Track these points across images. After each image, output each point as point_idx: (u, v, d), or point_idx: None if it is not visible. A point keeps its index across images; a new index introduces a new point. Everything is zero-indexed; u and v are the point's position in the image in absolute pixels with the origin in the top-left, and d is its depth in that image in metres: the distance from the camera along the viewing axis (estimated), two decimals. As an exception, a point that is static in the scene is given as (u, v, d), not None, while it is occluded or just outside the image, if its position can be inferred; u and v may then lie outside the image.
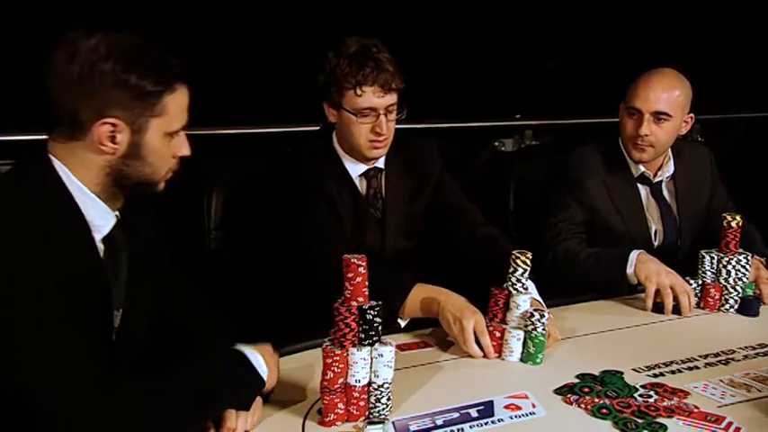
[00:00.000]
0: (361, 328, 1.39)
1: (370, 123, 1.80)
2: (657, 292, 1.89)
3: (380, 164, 1.91)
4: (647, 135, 2.07)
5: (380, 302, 1.42)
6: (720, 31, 3.75)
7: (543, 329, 1.57)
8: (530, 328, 1.58)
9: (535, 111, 3.20)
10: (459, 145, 2.91)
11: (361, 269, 1.40)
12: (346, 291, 1.40)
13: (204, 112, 1.42)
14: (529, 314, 1.58)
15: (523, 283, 1.61)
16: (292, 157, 1.91)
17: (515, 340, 1.58)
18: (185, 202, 1.92)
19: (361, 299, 1.40)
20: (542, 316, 1.57)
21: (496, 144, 3.04)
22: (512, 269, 1.61)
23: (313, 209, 1.81)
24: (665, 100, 2.08)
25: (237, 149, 2.63)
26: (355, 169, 1.89)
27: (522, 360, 1.59)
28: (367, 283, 1.40)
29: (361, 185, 1.90)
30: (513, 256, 1.61)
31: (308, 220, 1.80)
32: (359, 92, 1.76)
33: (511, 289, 1.61)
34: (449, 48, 3.29)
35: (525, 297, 1.60)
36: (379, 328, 1.41)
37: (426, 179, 1.97)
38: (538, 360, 1.58)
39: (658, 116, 2.07)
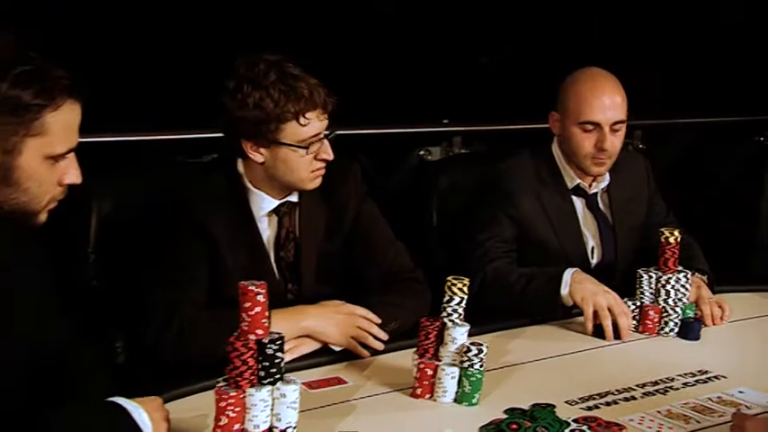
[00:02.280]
0: (260, 366, 1.37)
1: (315, 152, 1.78)
2: (596, 313, 1.94)
3: (294, 196, 1.87)
4: (610, 148, 2.10)
5: (282, 335, 1.40)
6: (659, 31, 3.92)
7: (481, 365, 1.57)
8: (466, 364, 1.57)
9: (465, 115, 3.23)
10: (379, 154, 2.91)
11: (259, 297, 1.38)
12: (243, 323, 1.38)
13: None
14: (465, 348, 1.58)
15: (460, 314, 1.61)
16: (183, 188, 1.83)
17: (449, 378, 1.58)
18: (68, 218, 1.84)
19: (260, 331, 1.38)
20: (480, 351, 1.57)
21: (422, 153, 3.05)
22: (446, 298, 1.61)
23: (180, 249, 1.75)
24: (620, 106, 2.12)
25: (121, 159, 2.55)
26: (264, 206, 1.84)
27: (456, 401, 1.58)
28: (267, 313, 1.38)
29: (271, 225, 1.86)
30: (449, 283, 1.61)
31: (166, 259, 1.75)
32: (303, 121, 1.74)
33: (445, 320, 1.60)
34: (364, 45, 3.29)
35: (461, 329, 1.60)
36: (281, 363, 1.39)
37: (343, 211, 1.93)
38: (474, 401, 1.57)
39: (615, 125, 2.12)
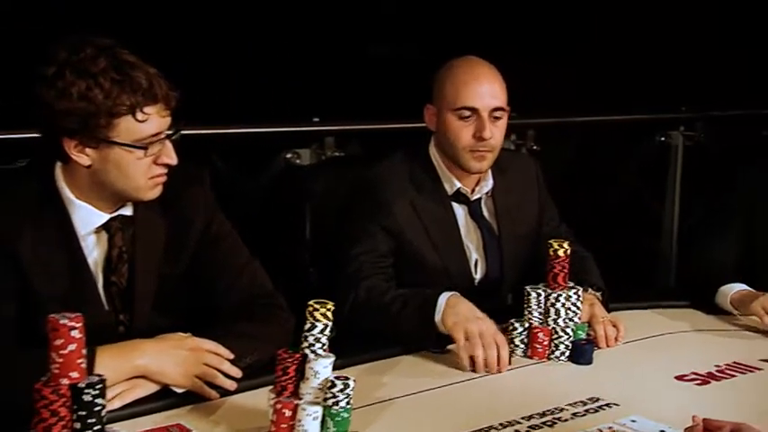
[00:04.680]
0: (75, 416, 1.31)
1: (156, 154, 1.70)
2: None
3: (128, 209, 1.78)
4: (490, 138, 2.11)
5: (104, 378, 1.32)
6: (551, 22, 4.05)
7: (348, 402, 1.54)
8: (330, 401, 1.53)
9: (338, 113, 3.22)
10: (239, 158, 2.85)
11: (74, 333, 1.31)
12: (53, 364, 1.31)
13: None
14: (329, 384, 1.54)
15: (323, 344, 1.57)
16: None
17: (311, 420, 1.53)
18: None
19: (75, 374, 1.31)
20: (346, 386, 1.54)
21: (289, 156, 3.01)
22: (307, 325, 1.57)
23: None
24: (500, 93, 2.15)
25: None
26: (90, 221, 1.74)
27: (320, 444, 1.54)
28: (83, 351, 1.31)
29: (99, 244, 1.77)
30: (310, 308, 1.57)
31: None
32: (140, 116, 1.66)
33: (306, 352, 1.57)
34: (217, 30, 3.22)
35: (325, 361, 1.56)
36: (102, 412, 1.32)
37: (188, 226, 1.86)
38: (340, 444, 1.53)
39: (495, 113, 2.14)
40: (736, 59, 4.17)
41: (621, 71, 4.28)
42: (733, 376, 1.89)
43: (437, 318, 1.97)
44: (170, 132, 1.73)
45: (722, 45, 4.25)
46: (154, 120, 1.69)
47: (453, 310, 1.96)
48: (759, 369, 1.93)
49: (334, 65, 3.56)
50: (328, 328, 1.59)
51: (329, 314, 1.58)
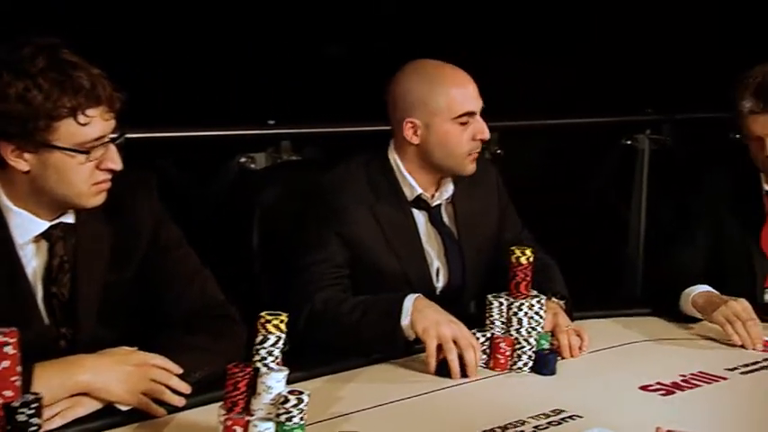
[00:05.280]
0: None
1: (99, 159, 1.68)
2: (441, 347, 1.93)
3: (69, 216, 1.75)
4: (488, 134, 2.19)
5: (40, 396, 1.30)
6: (519, 32, 4.09)
7: (302, 418, 1.52)
8: (283, 417, 1.52)
9: (295, 116, 3.21)
10: (190, 162, 2.83)
11: (7, 349, 1.29)
12: None
13: None
14: (282, 399, 1.53)
15: (276, 357, 1.56)
16: None
17: (263, 437, 1.52)
18: None
19: (9, 392, 1.29)
20: (300, 401, 1.52)
21: (243, 160, 2.99)
22: (259, 338, 1.56)
23: None
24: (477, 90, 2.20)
25: None
26: (29, 229, 1.70)
27: (273, 463, 1.52)
28: (18, 368, 1.28)
29: (39, 253, 1.73)
30: (262, 320, 1.56)
31: None
32: (82, 119, 1.63)
33: (258, 365, 1.55)
34: (166, 28, 3.19)
35: (278, 375, 1.55)
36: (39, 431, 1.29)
37: (134, 234, 1.83)
38: (294, 462, 1.52)
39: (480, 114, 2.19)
40: (702, 62, 4.23)
41: (587, 73, 4.32)
42: (698, 386, 1.90)
43: (404, 322, 1.96)
44: (114, 136, 1.71)
45: (688, 47, 4.31)
46: (97, 123, 1.66)
47: (422, 315, 1.95)
48: (724, 378, 1.95)
49: (291, 65, 3.54)
50: (281, 341, 1.57)
51: (282, 326, 1.57)
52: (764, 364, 2.04)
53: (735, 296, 2.23)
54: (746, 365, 2.02)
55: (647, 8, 4.41)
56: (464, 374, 1.92)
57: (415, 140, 2.19)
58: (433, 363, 1.92)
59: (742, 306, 2.16)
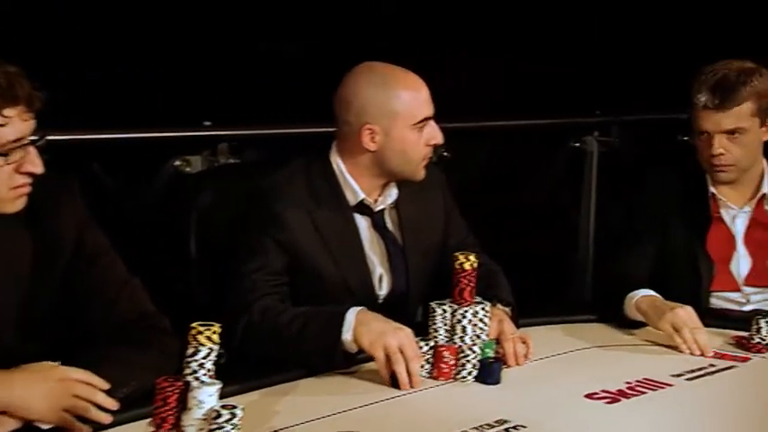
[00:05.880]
0: None
1: (18, 162, 1.64)
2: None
3: None
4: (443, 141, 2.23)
5: None
6: (465, 33, 4.11)
7: None
8: (216, 433, 1.50)
9: (232, 117, 3.18)
10: (121, 166, 2.78)
11: None
12: None
13: None
14: (214, 414, 1.51)
15: (208, 370, 1.55)
16: None
17: (194, 455, 1.50)
18: None
19: None
20: (233, 415, 1.51)
21: (178, 163, 2.96)
22: (190, 350, 1.54)
23: None
24: None
25: None
26: None
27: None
28: None
29: None
30: (193, 331, 1.54)
31: None
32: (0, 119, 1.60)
33: (189, 379, 1.54)
34: (105, 32, 3.14)
35: (210, 389, 1.53)
36: None
37: (57, 241, 1.79)
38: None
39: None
40: (651, 63, 4.30)
41: (535, 75, 4.36)
42: (644, 393, 1.93)
43: (346, 336, 1.95)
44: (34, 138, 1.67)
45: (636, 48, 4.38)
46: (14, 123, 1.63)
47: (367, 328, 1.95)
48: (670, 385, 1.98)
49: (229, 63, 3.51)
50: (214, 353, 1.56)
51: (215, 337, 1.55)
52: (710, 369, 2.07)
53: (680, 300, 2.26)
54: (692, 371, 2.05)
55: (597, 10, 4.47)
56: (412, 385, 1.91)
57: (372, 147, 2.18)
58: (385, 374, 1.92)
59: (687, 313, 2.19)
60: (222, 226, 2.30)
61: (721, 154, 2.46)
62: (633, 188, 2.78)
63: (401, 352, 1.92)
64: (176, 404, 1.54)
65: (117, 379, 1.69)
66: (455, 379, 1.99)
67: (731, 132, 2.44)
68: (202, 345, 1.55)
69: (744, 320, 2.27)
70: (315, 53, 3.79)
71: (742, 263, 2.54)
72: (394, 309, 2.23)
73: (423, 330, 2.01)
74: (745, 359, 2.14)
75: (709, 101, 2.43)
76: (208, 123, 3.06)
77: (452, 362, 1.99)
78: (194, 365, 1.55)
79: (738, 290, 2.54)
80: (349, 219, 2.22)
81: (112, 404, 1.66)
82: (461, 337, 1.99)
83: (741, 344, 2.22)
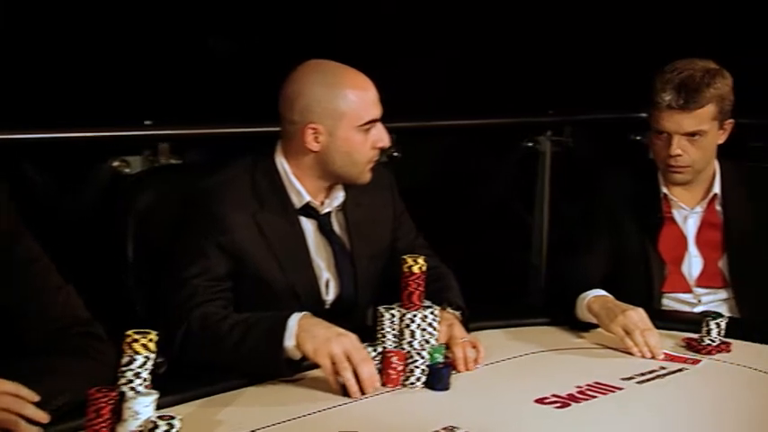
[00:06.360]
0: None
1: None
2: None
3: None
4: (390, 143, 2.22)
5: None
6: (415, 30, 4.12)
7: None
8: (153, 445, 1.49)
9: (174, 116, 3.15)
10: (56, 167, 2.74)
11: None
12: None
13: None
14: (150, 425, 1.49)
15: (144, 380, 1.54)
16: None
17: (130, 468, 1.49)
18: None
19: None
20: (171, 426, 1.49)
21: (116, 164, 2.93)
22: (125, 359, 1.53)
23: None
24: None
25: None
26: None
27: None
28: None
29: None
30: (129, 339, 1.53)
31: None
32: None
33: (124, 389, 1.53)
34: (38, 27, 3.09)
35: (146, 399, 1.52)
36: None
37: None
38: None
39: None
40: (603, 62, 4.36)
41: (487, 73, 4.39)
42: (594, 397, 1.95)
43: (289, 343, 1.94)
44: None
45: (589, 48, 4.43)
46: None
47: (310, 334, 1.94)
48: (620, 389, 2.00)
49: (171, 60, 3.48)
50: (150, 361, 1.55)
51: (151, 345, 1.55)
52: (660, 372, 2.10)
53: (632, 301, 2.29)
54: (642, 374, 2.08)
55: (548, 7, 4.51)
56: (363, 391, 1.91)
57: (316, 147, 2.17)
58: (334, 381, 1.91)
59: (639, 315, 2.22)
60: (162, 229, 2.28)
61: (679, 155, 2.49)
62: (586, 189, 2.81)
63: (348, 359, 1.92)
64: (110, 415, 1.52)
65: (48, 390, 1.66)
66: (403, 385, 1.99)
67: (691, 134, 2.48)
68: (138, 353, 1.55)
69: (695, 322, 2.30)
70: (260, 51, 3.77)
71: (693, 264, 2.59)
72: (342, 314, 2.22)
73: (372, 334, 2.01)
74: (696, 361, 2.17)
75: (673, 101, 2.45)
76: (148, 122, 3.04)
77: (400, 368, 1.99)
78: (130, 375, 1.54)
79: (690, 291, 2.58)
80: (294, 222, 2.21)
81: (43, 417, 1.63)
82: (410, 343, 1.99)
83: (692, 346, 2.25)
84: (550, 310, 2.45)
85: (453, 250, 2.63)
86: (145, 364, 1.55)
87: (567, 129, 4.29)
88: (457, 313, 2.20)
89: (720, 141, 2.56)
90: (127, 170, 2.94)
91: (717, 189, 2.60)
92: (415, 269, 2.00)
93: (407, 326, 2.00)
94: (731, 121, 2.55)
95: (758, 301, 2.55)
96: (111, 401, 1.52)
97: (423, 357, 2.00)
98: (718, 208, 2.60)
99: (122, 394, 1.53)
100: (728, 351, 2.22)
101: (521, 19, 4.43)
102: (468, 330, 2.18)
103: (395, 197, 2.42)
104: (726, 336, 2.25)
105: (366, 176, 2.23)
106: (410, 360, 1.99)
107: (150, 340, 1.55)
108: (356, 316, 2.31)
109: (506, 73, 4.39)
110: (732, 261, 2.57)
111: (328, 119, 2.15)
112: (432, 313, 2.02)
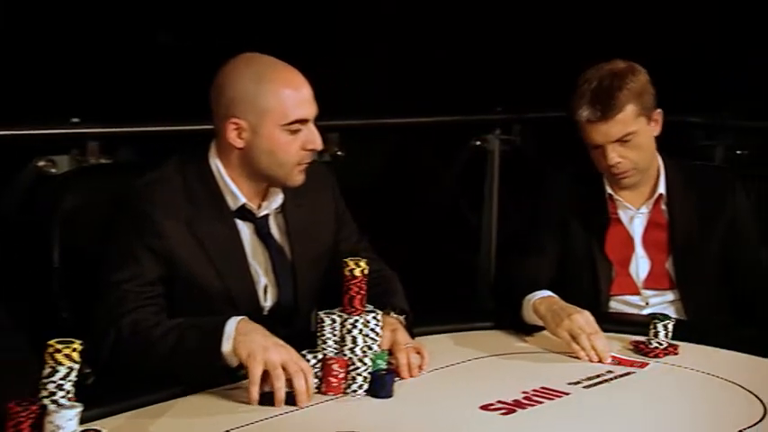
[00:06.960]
0: None
1: None
2: (267, 374, 1.91)
3: None
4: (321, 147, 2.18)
5: None
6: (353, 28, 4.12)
7: None
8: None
9: (104, 113, 3.12)
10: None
11: None
12: None
13: None
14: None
15: (67, 392, 1.53)
16: None
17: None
18: None
19: None
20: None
21: (42, 164, 2.90)
22: (47, 371, 1.52)
23: None
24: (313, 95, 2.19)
25: None
26: None
27: None
28: None
29: None
30: (50, 349, 1.51)
31: None
32: None
33: (46, 402, 1.52)
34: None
35: (69, 413, 1.51)
36: None
37: None
38: None
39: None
40: (552, 59, 4.40)
41: (433, 70, 4.41)
42: (540, 403, 1.96)
43: (225, 348, 1.93)
44: None
45: (537, 45, 4.48)
46: None
47: (247, 338, 1.92)
48: (567, 393, 2.02)
49: (101, 54, 3.43)
50: (74, 372, 1.53)
51: (75, 355, 1.53)
52: (607, 376, 2.13)
53: (579, 304, 2.31)
54: (589, 378, 2.10)
55: (497, 3, 4.55)
56: (293, 402, 1.90)
57: (239, 144, 2.15)
58: (254, 392, 1.88)
59: (585, 319, 2.24)
60: (90, 232, 2.27)
61: (618, 162, 2.53)
62: (533, 189, 2.84)
63: (284, 369, 1.90)
64: (30, 430, 1.50)
65: None
66: (345, 393, 1.98)
67: (622, 140, 2.52)
68: (61, 364, 1.53)
69: (642, 324, 2.33)
70: (194, 44, 3.75)
71: (641, 265, 2.62)
72: (281, 321, 2.22)
73: (313, 341, 2.00)
74: (644, 365, 2.20)
75: (591, 114, 2.49)
76: (76, 120, 3.00)
77: (342, 375, 1.99)
78: (52, 387, 1.52)
79: (638, 293, 2.62)
80: (230, 225, 2.20)
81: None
82: (351, 349, 1.99)
83: (639, 349, 2.28)
84: (497, 314, 2.47)
85: (399, 252, 2.63)
86: (68, 375, 1.53)
87: (516, 127, 4.33)
88: (401, 318, 2.20)
89: (656, 134, 2.60)
90: (53, 170, 2.92)
91: (662, 189, 2.64)
92: (357, 272, 2.00)
93: (349, 331, 1.99)
94: (659, 111, 2.58)
95: (703, 302, 2.59)
96: (32, 415, 1.50)
97: (365, 364, 1.99)
98: (663, 208, 2.64)
99: (44, 407, 1.51)
100: (676, 353, 2.26)
101: (469, 14, 4.46)
102: (413, 336, 2.18)
103: (336, 197, 2.40)
104: (673, 338, 2.28)
105: (296, 179, 2.19)
106: (352, 367, 1.99)
107: (74, 350, 1.53)
108: (296, 322, 2.30)
109: (454, 69, 4.41)
110: (677, 262, 2.61)
111: (251, 114, 2.13)
112: (374, 318, 2.01)
